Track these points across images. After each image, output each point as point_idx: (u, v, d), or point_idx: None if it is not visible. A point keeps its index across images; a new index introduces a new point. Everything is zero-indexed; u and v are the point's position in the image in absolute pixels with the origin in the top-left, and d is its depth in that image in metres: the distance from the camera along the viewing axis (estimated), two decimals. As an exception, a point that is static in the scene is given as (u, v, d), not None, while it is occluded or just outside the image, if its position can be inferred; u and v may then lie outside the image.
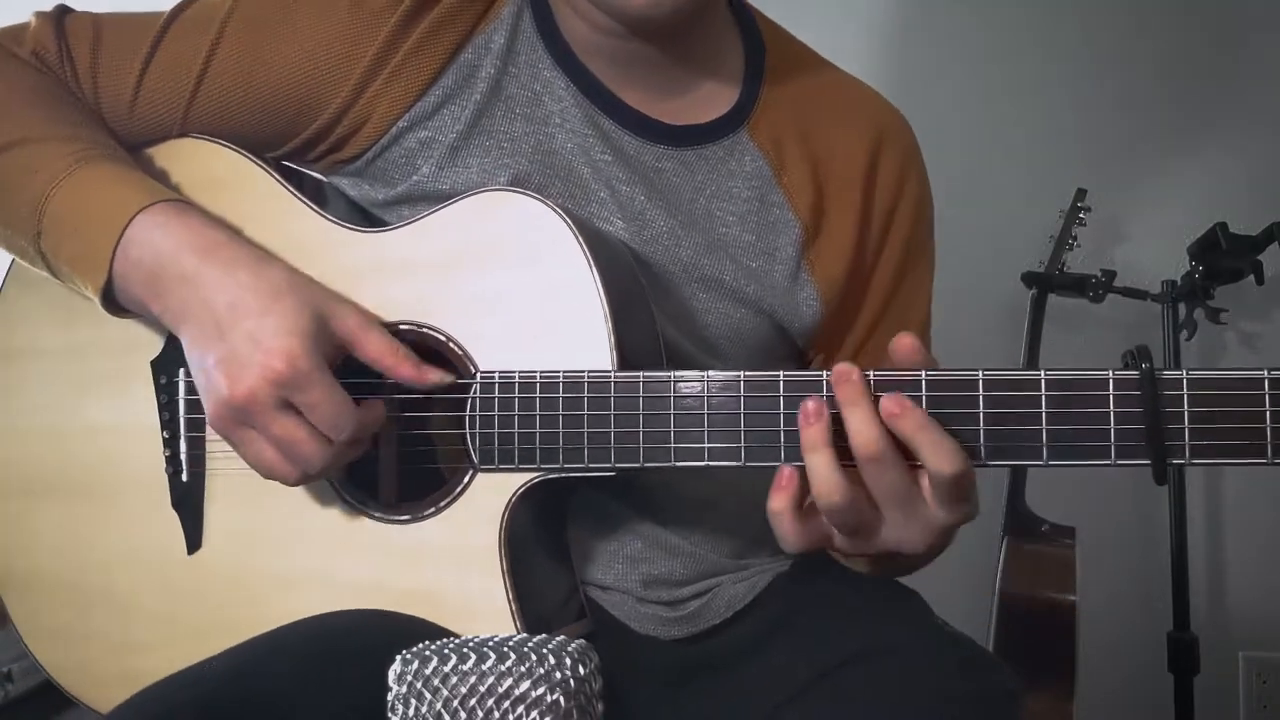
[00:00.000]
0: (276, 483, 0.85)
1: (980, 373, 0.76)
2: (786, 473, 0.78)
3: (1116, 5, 2.07)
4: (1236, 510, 2.11)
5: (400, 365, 0.84)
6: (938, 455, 0.74)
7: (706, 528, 0.98)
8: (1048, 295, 1.95)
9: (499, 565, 0.85)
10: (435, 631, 0.84)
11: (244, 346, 0.80)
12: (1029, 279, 1.96)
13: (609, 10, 0.89)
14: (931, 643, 0.88)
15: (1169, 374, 0.73)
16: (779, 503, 0.78)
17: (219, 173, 0.95)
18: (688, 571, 0.97)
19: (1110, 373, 0.74)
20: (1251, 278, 1.85)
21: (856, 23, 2.08)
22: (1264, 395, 0.72)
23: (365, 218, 0.98)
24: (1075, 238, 1.94)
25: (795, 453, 0.78)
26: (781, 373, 0.79)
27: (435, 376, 0.84)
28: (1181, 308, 1.92)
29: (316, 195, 0.97)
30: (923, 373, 0.77)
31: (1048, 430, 0.75)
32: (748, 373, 0.80)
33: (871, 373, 0.77)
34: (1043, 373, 0.75)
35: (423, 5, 0.93)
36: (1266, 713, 2.10)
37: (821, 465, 0.75)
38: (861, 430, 0.74)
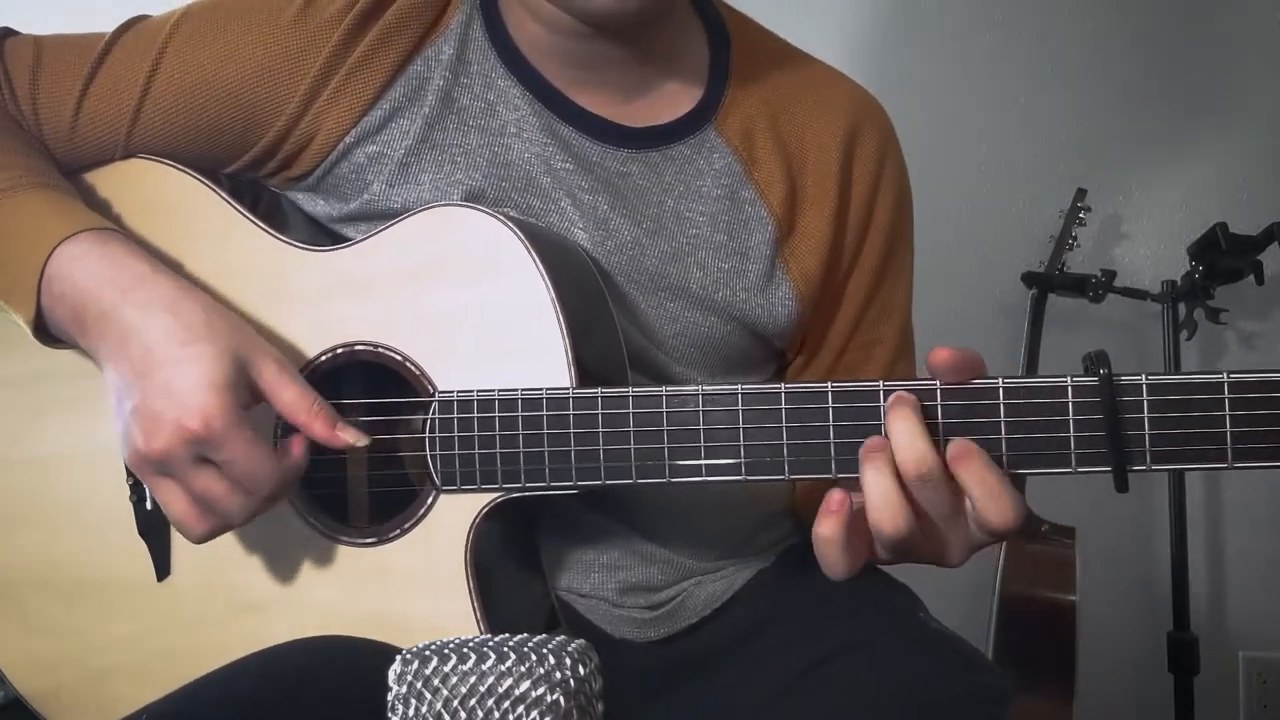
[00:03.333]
0: None
1: (938, 383, 0.75)
2: (837, 497, 0.74)
3: (1117, 5, 2.07)
4: (1236, 510, 2.11)
5: (313, 423, 0.80)
6: (991, 508, 0.72)
7: (684, 535, 0.97)
8: (1048, 295, 1.95)
9: (466, 585, 0.83)
10: (393, 653, 0.84)
11: (158, 399, 0.77)
12: (1029, 279, 1.95)
13: (571, 10, 0.87)
14: (916, 640, 0.86)
15: (1128, 379, 0.72)
16: (830, 529, 0.75)
17: (167, 194, 0.93)
18: (665, 578, 0.96)
19: (1069, 379, 0.73)
20: (1251, 278, 1.85)
21: (856, 22, 2.08)
22: (1224, 399, 0.71)
23: (323, 233, 0.97)
24: (1075, 238, 1.94)
25: (756, 467, 0.78)
26: (740, 386, 0.78)
27: (349, 437, 0.81)
28: (1181, 308, 1.91)
29: (273, 211, 0.96)
30: (879, 383, 0.76)
31: (1007, 439, 0.74)
32: (706, 387, 0.79)
33: (830, 384, 0.77)
34: (1000, 381, 0.74)
35: (367, 19, 0.91)
36: (1266, 713, 2.10)
37: (885, 488, 0.73)
38: (913, 447, 0.73)
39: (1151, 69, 2.06)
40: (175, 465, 0.78)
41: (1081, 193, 1.93)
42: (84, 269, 0.82)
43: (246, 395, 0.80)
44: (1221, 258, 1.84)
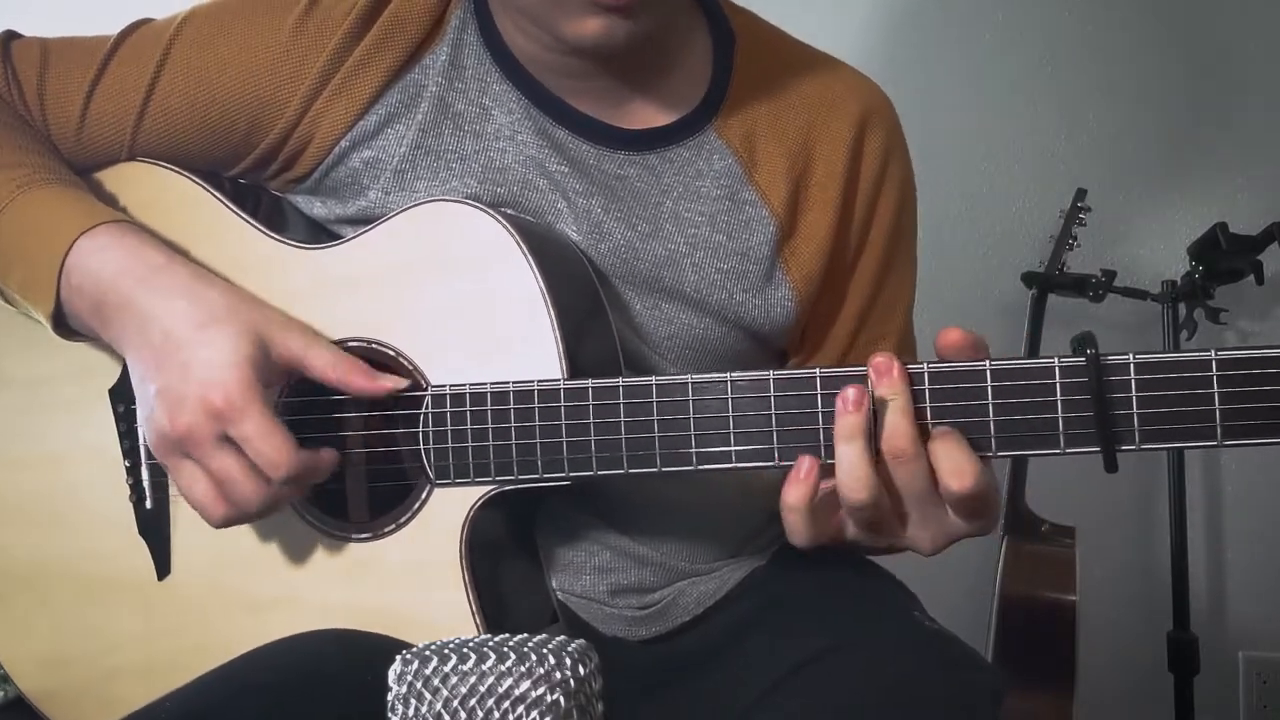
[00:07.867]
0: None
1: (925, 366, 0.75)
2: (807, 464, 0.75)
3: (1117, 5, 2.07)
4: (1236, 510, 2.10)
5: (350, 377, 0.82)
6: (952, 470, 0.72)
7: (676, 537, 0.96)
8: (1048, 295, 1.95)
9: (461, 578, 0.84)
10: (399, 646, 0.84)
11: (180, 379, 0.79)
12: (1029, 279, 1.95)
13: (558, 38, 0.87)
14: (911, 638, 0.86)
15: (1115, 358, 0.72)
16: (796, 496, 0.75)
17: (166, 197, 0.94)
18: (657, 579, 0.96)
19: (1056, 360, 0.73)
20: (1251, 278, 1.85)
21: (855, 20, 2.08)
22: (1211, 376, 0.71)
23: (322, 233, 0.97)
24: (1075, 238, 1.94)
25: (746, 454, 0.78)
26: (730, 374, 0.78)
27: (390, 384, 0.83)
28: (1181, 308, 1.91)
29: (273, 215, 0.96)
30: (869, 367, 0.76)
31: (995, 421, 0.74)
32: (695, 375, 0.79)
33: (818, 370, 0.77)
34: (988, 363, 0.74)
35: (366, 23, 0.92)
36: (1266, 713, 2.10)
37: (856, 456, 0.73)
38: (900, 424, 0.73)
39: (1152, 69, 2.06)
40: (197, 443, 0.79)
41: (1081, 193, 1.93)
42: (103, 261, 0.83)
43: (269, 372, 0.82)
44: (1221, 258, 1.83)
